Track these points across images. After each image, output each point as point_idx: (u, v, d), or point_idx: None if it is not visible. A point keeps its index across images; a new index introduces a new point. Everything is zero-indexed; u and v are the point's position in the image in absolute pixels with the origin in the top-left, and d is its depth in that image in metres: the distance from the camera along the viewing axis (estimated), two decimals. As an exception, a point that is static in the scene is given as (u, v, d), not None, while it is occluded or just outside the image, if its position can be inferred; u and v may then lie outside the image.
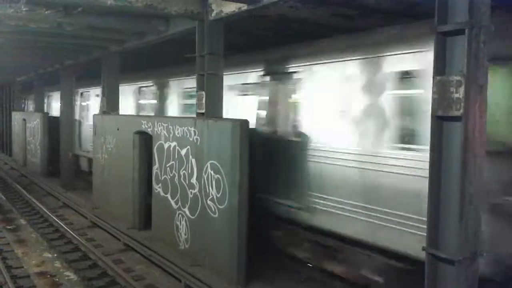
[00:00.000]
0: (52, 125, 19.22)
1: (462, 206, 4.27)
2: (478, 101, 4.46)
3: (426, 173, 4.85)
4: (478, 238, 4.35)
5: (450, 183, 4.46)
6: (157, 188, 10.03)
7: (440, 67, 4.78)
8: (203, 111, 8.57)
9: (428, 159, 4.81)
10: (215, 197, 8.10)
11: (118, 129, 11.95)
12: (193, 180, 8.69)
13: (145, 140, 10.81)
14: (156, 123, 10.01)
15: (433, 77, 4.80)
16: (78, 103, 19.22)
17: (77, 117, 18.86)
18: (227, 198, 7.82)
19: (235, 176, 7.67)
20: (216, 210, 8.09)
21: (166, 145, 9.56)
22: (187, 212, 8.93)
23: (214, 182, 8.12)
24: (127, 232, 10.68)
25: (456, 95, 4.55)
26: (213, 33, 8.39)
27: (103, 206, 12.87)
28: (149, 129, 10.28)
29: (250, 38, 10.11)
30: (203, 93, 8.52)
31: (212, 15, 8.25)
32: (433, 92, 4.79)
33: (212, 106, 8.47)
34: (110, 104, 13.40)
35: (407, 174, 6.45)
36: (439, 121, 4.71)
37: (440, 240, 4.39)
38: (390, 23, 7.02)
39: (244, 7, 7.41)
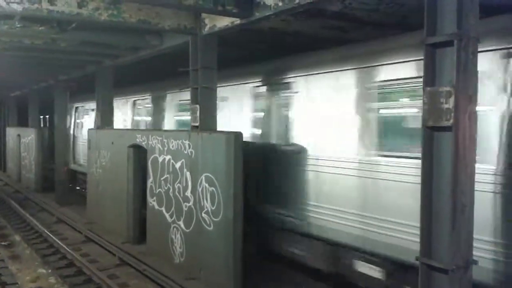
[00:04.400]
0: (47, 140, 19.22)
1: (454, 215, 4.30)
2: (468, 111, 4.52)
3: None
4: (471, 246, 4.37)
5: (442, 192, 4.49)
6: (152, 201, 10.02)
7: (430, 78, 4.83)
8: (197, 124, 8.61)
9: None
10: (210, 209, 8.11)
11: (112, 143, 11.96)
12: (188, 193, 8.69)
13: (140, 154, 10.83)
14: (150, 137, 10.03)
15: (423, 88, 4.87)
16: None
17: None
18: (222, 211, 7.83)
19: (229, 189, 7.69)
20: (211, 223, 8.09)
21: (160, 159, 9.58)
22: (182, 225, 8.92)
23: (208, 195, 8.13)
24: (122, 246, 10.63)
25: (446, 106, 4.60)
26: (206, 47, 8.46)
27: (97, 221, 12.82)
28: (143, 143, 10.30)
29: (245, 51, 10.19)
30: (197, 106, 8.57)
31: (205, 29, 8.33)
32: (424, 103, 4.84)
33: (206, 119, 8.51)
34: (104, 118, 13.42)
35: None
36: (430, 131, 4.76)
37: (433, 250, 4.42)
38: (382, 35, 7.12)
39: (237, 21, 7.49)
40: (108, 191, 12.26)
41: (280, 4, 6.42)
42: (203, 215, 8.30)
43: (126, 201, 11.19)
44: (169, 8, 8.03)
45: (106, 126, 13.31)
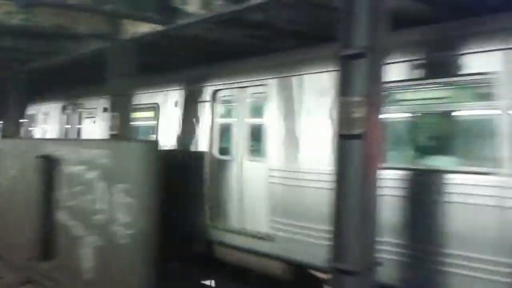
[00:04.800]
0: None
1: (363, 219, 4.45)
2: (376, 120, 4.74)
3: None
4: (375, 249, 4.55)
5: (351, 198, 4.63)
6: (61, 215, 9.46)
7: (344, 88, 5.02)
8: (115, 132, 8.34)
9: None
10: (123, 222, 7.77)
11: (19, 153, 11.23)
12: (101, 205, 8.30)
13: (49, 165, 10.23)
14: (62, 146, 9.53)
15: (338, 98, 5.05)
16: None
17: None
18: (136, 223, 7.53)
19: (145, 199, 7.44)
20: (125, 236, 7.75)
21: (72, 169, 9.10)
22: (94, 239, 8.48)
23: (123, 207, 7.80)
24: (28, 263, 9.94)
25: (358, 115, 4.79)
26: (125, 53, 8.27)
27: (2, 236, 11.91)
28: (54, 153, 9.75)
29: (167, 57, 10.05)
30: (115, 114, 8.31)
31: (125, 35, 8.15)
32: (338, 112, 5.02)
33: (123, 127, 8.27)
34: (11, 127, 12.66)
35: None
36: (342, 139, 4.92)
37: (343, 253, 4.53)
38: (304, 45, 7.25)
39: (158, 27, 7.40)
40: (14, 204, 11.44)
41: (202, 12, 6.42)
42: (117, 227, 7.93)
43: (34, 215, 10.49)
44: (86, 13, 7.79)
45: (13, 135, 12.56)
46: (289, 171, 7.35)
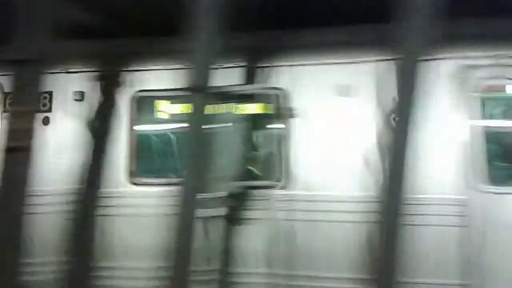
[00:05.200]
0: None
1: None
2: (39, 133, 4.57)
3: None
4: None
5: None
6: None
7: (16, 97, 4.71)
8: None
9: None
10: None
11: None
12: None
13: None
14: None
15: (11, 108, 4.73)
16: None
17: None
18: None
19: None
20: None
21: None
22: None
23: None
24: None
25: (24, 126, 4.53)
26: None
27: None
28: None
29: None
30: None
31: None
32: (7, 123, 4.70)
33: None
34: None
35: None
36: (10, 152, 4.57)
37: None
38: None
39: None
40: None
41: None
42: None
43: None
44: None
45: None
46: None
